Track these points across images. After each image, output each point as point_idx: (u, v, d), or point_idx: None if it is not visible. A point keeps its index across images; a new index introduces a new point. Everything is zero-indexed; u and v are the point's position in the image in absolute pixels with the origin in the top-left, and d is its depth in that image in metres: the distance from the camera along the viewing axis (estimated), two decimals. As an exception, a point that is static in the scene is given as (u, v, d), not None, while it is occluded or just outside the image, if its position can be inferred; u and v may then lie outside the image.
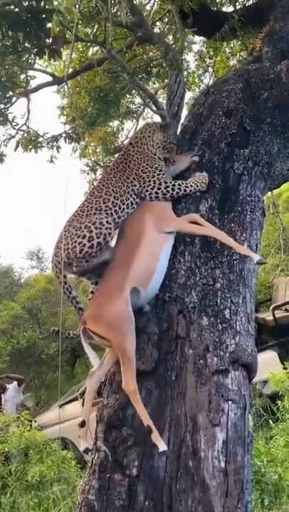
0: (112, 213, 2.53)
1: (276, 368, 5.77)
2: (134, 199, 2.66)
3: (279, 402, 5.32)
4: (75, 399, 7.11)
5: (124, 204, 2.60)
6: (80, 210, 2.58)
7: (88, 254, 2.34)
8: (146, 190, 2.62)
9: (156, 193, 2.61)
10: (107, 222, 2.41)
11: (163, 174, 2.68)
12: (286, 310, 7.22)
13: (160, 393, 2.12)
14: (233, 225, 2.65)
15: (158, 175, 2.65)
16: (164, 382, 2.16)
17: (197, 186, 2.65)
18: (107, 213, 2.51)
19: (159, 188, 2.61)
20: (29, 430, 5.53)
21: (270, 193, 4.60)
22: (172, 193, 2.62)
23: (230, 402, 2.12)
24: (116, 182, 2.65)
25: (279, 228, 9.70)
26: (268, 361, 5.94)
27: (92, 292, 2.60)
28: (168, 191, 2.61)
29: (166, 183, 2.63)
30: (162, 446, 1.93)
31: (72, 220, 2.54)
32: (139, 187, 2.65)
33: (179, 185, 2.63)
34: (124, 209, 2.59)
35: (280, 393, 5.37)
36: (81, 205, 2.62)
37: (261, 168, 2.90)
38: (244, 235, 2.64)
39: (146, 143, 2.81)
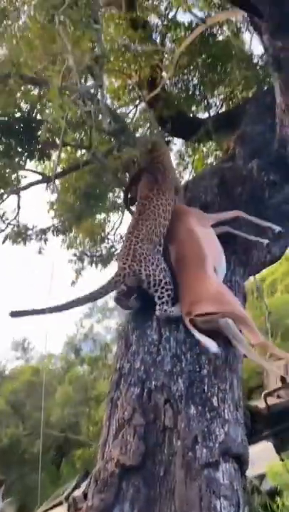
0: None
1: (272, 460, 5.47)
2: None
3: (278, 498, 4.97)
4: (60, 503, 6.55)
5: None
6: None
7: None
8: None
9: None
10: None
11: None
12: (278, 397, 7.02)
13: (148, 491, 2.01)
14: (215, 310, 2.71)
15: None
16: (152, 479, 2.06)
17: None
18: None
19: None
20: None
21: (252, 278, 4.73)
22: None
23: (222, 498, 2.00)
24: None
25: (265, 312, 9.75)
26: (263, 453, 5.65)
27: None
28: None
29: None
30: None
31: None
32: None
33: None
34: None
35: (278, 488, 5.04)
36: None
37: (240, 255, 3.06)
38: (227, 320, 2.70)
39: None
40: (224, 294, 2.46)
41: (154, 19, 5.47)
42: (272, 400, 6.81)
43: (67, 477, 11.11)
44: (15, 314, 2.67)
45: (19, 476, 11.17)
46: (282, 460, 5.35)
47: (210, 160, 6.01)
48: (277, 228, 3.10)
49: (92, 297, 2.74)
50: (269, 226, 3.10)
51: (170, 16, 5.42)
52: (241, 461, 2.22)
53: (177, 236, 2.87)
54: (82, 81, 2.52)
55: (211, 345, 2.32)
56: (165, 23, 5.39)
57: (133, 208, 3.25)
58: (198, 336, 2.37)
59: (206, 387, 2.36)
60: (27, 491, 10.63)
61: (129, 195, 3.27)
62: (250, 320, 2.38)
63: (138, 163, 3.31)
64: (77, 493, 6.39)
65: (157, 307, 2.65)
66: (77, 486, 6.78)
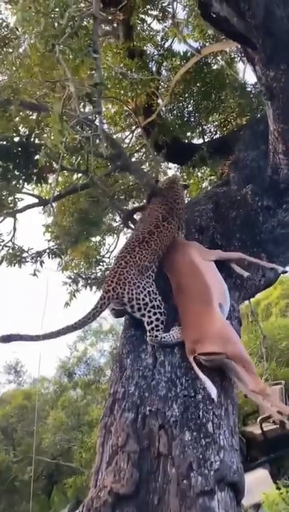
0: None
1: (268, 489, 5.34)
2: None
3: (275, 529, 4.83)
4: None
5: None
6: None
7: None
8: None
9: None
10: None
11: None
12: (274, 422, 6.91)
13: (142, 520, 1.97)
14: (211, 334, 2.71)
15: None
16: (145, 507, 2.01)
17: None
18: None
19: None
20: None
21: (247, 301, 4.75)
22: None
23: (217, 528, 1.97)
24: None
25: (260, 336, 9.72)
26: (259, 481, 5.53)
27: None
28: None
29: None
30: None
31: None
32: None
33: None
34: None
35: (275, 519, 4.91)
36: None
37: (234, 279, 3.08)
38: (223, 344, 2.69)
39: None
40: (229, 335, 2.46)
41: (150, 49, 5.64)
42: (267, 426, 6.70)
43: (58, 506, 10.79)
44: (5, 339, 2.53)
45: (9, 504, 10.82)
46: (278, 489, 5.23)
47: (205, 185, 6.10)
48: (280, 269, 3.12)
49: (83, 323, 2.71)
50: (273, 267, 3.12)
51: (166, 46, 5.60)
52: (237, 490, 2.18)
53: (178, 267, 2.88)
54: (81, 107, 2.58)
55: (212, 390, 2.33)
56: (161, 52, 5.56)
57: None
58: (201, 376, 2.37)
59: (201, 413, 2.34)
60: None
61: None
62: (252, 364, 2.40)
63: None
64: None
65: (148, 333, 2.63)
66: (68, 516, 6.58)
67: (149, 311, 2.65)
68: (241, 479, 2.20)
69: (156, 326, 2.61)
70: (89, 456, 9.86)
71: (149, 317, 2.64)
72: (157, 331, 2.60)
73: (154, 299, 2.69)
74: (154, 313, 2.65)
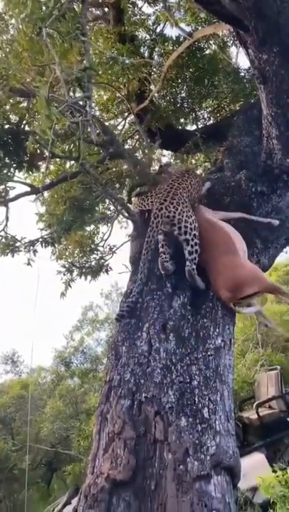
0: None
1: (265, 472, 5.40)
2: None
3: (271, 511, 4.89)
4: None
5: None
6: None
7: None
8: None
9: None
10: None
11: None
12: (270, 407, 6.98)
13: (139, 505, 1.98)
14: (205, 320, 2.71)
15: None
16: (142, 493, 2.03)
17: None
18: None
19: None
20: None
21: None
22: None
23: (214, 511, 1.98)
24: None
25: (255, 323, 9.77)
26: (255, 465, 5.59)
27: None
28: None
29: None
30: None
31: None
32: None
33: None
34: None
35: (271, 501, 4.96)
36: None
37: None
38: (217, 329, 2.70)
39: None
40: (259, 273, 2.81)
41: (142, 33, 5.54)
42: (263, 411, 6.77)
43: (59, 493, 10.89)
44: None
45: (8, 492, 10.93)
46: (274, 472, 5.29)
47: (199, 171, 6.05)
48: (276, 222, 3.24)
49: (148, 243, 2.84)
50: (269, 221, 3.25)
51: (158, 30, 5.51)
52: (233, 474, 2.20)
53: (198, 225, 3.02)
54: (71, 93, 2.53)
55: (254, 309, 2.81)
56: (153, 37, 5.47)
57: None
58: (253, 310, 2.84)
59: (196, 399, 2.35)
60: (17, 508, 10.39)
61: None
62: (281, 287, 2.89)
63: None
64: (68, 509, 6.26)
65: (187, 262, 2.74)
66: (67, 503, 6.64)
67: (192, 239, 2.76)
68: (237, 463, 2.22)
69: (195, 258, 2.74)
70: (87, 443, 9.94)
71: (192, 246, 2.76)
72: (194, 264, 2.73)
73: (197, 228, 2.81)
74: (196, 244, 2.77)
